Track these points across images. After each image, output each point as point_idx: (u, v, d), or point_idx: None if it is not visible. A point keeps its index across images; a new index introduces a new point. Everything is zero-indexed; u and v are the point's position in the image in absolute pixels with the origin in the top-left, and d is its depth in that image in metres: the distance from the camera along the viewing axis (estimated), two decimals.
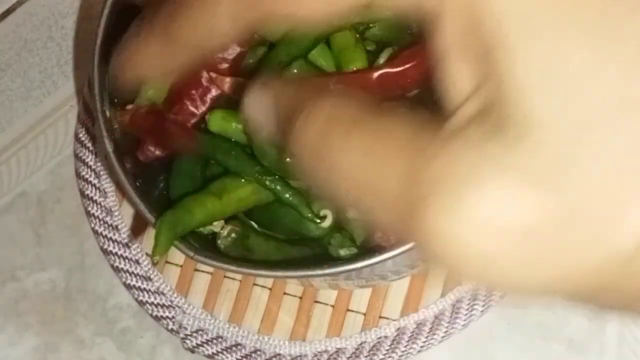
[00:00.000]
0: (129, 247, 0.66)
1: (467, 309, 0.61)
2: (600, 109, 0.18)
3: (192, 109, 0.56)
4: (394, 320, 0.61)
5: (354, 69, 0.53)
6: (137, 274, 0.65)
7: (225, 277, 0.64)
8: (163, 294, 0.65)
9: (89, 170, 0.69)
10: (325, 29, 0.55)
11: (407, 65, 0.52)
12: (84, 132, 0.70)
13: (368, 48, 0.56)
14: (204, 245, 0.53)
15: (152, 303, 0.65)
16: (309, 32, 0.54)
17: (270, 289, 0.64)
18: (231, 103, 0.55)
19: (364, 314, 0.62)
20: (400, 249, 0.49)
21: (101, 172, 0.68)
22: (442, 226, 0.19)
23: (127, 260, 0.66)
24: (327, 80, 0.52)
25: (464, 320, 0.61)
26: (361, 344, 0.62)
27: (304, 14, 0.23)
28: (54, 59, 0.76)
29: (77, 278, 0.68)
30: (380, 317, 0.62)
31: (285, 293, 0.63)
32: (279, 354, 0.62)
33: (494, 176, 0.19)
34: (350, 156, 0.22)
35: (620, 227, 0.18)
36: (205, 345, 0.63)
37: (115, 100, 0.56)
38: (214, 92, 0.56)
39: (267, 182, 0.54)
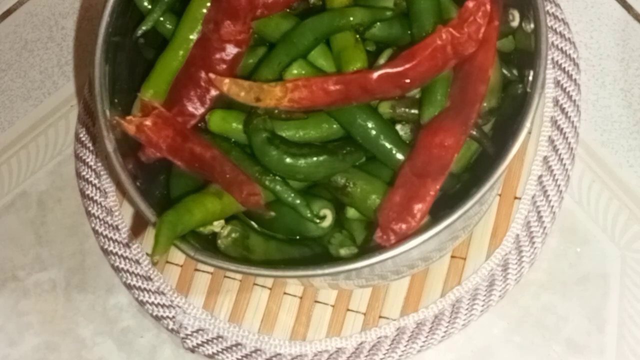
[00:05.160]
0: (129, 247, 0.66)
1: (467, 309, 0.61)
2: None
3: (191, 109, 0.56)
4: (394, 320, 0.61)
5: (354, 69, 0.53)
6: (138, 273, 0.66)
7: (225, 277, 0.64)
8: (163, 293, 0.65)
9: (90, 170, 0.69)
10: (325, 29, 0.55)
11: (407, 65, 0.52)
12: (84, 132, 0.70)
13: (368, 48, 0.56)
14: (204, 245, 0.53)
15: (153, 303, 0.65)
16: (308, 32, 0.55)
17: (270, 289, 0.64)
18: (230, 103, 0.55)
19: (364, 314, 0.62)
20: (400, 249, 0.49)
21: (101, 172, 0.68)
22: None
23: (127, 260, 0.66)
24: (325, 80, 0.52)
25: (464, 320, 0.61)
26: (361, 343, 0.62)
27: None
28: (55, 59, 0.76)
29: (77, 278, 0.68)
30: (380, 316, 0.62)
31: (285, 293, 0.63)
32: (279, 354, 0.62)
33: None
34: None
35: None
36: (205, 345, 0.63)
37: (116, 100, 0.56)
38: (213, 92, 0.56)
39: (267, 182, 0.54)
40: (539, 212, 0.62)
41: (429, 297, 0.61)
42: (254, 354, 0.63)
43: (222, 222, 0.54)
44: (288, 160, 0.53)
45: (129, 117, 0.54)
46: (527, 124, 0.50)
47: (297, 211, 0.54)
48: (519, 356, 0.61)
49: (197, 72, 0.56)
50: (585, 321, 0.61)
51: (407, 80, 0.52)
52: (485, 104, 0.54)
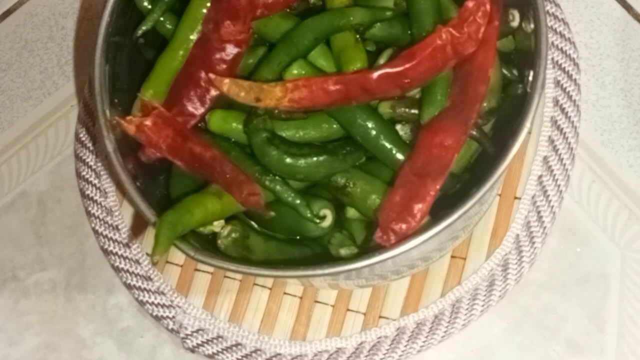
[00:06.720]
0: (129, 247, 0.66)
1: (467, 309, 0.61)
2: None
3: (191, 109, 0.56)
4: (394, 320, 0.61)
5: (354, 69, 0.53)
6: (138, 273, 0.66)
7: (225, 277, 0.64)
8: (163, 293, 0.65)
9: (90, 170, 0.69)
10: (325, 29, 0.55)
11: (407, 65, 0.52)
12: (84, 132, 0.70)
13: (368, 48, 0.56)
14: (204, 245, 0.53)
15: (153, 303, 0.65)
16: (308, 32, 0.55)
17: (270, 289, 0.64)
18: (230, 103, 0.55)
19: (364, 314, 0.62)
20: (400, 249, 0.49)
21: (101, 172, 0.68)
22: None
23: (127, 260, 0.66)
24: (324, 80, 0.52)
25: (464, 320, 0.61)
26: (361, 343, 0.62)
27: None
28: (55, 59, 0.76)
29: (77, 278, 0.68)
30: (380, 316, 0.62)
31: (285, 293, 0.63)
32: (279, 354, 0.62)
33: None
34: None
35: None
36: (205, 345, 0.63)
37: (116, 100, 0.56)
38: (213, 92, 0.56)
39: (267, 182, 0.54)
40: (539, 212, 0.62)
41: (429, 297, 0.61)
42: (254, 354, 0.63)
43: (222, 222, 0.54)
44: (288, 160, 0.53)
45: (129, 117, 0.54)
46: (527, 124, 0.50)
47: (297, 211, 0.54)
48: (519, 356, 0.61)
49: (197, 72, 0.56)
50: (585, 321, 0.61)
51: (407, 80, 0.52)
52: (485, 104, 0.54)
